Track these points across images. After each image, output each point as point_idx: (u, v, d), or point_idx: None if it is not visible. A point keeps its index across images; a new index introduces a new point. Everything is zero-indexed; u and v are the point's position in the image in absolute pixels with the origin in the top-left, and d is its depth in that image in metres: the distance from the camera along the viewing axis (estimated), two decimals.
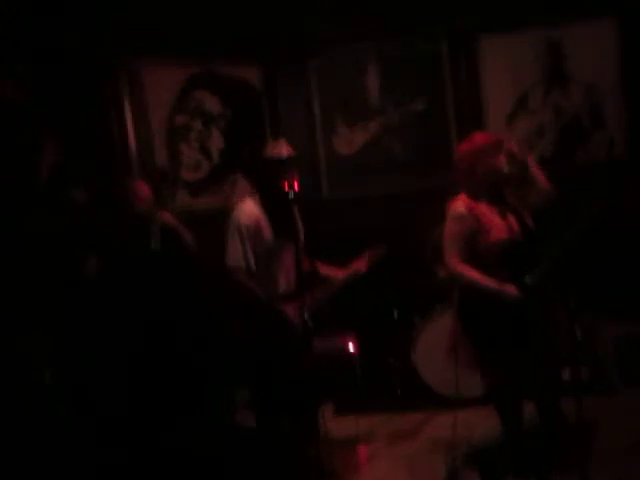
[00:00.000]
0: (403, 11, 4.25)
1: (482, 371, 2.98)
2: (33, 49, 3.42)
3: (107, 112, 3.69)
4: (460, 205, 2.70)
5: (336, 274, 2.96)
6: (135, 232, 3.22)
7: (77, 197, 3.28)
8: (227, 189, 4.21)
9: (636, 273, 3.76)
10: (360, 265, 2.89)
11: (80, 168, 3.34)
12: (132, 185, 3.24)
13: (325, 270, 3.01)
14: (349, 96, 4.44)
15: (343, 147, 4.51)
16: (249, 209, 2.80)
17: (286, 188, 2.64)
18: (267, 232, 2.78)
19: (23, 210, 3.29)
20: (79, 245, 3.18)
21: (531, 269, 2.61)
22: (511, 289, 2.62)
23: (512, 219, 2.71)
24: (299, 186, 2.68)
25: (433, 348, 3.59)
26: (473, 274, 2.68)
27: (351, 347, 3.79)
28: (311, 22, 4.27)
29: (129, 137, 3.75)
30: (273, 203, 2.79)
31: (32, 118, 3.43)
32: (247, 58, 4.25)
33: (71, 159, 3.48)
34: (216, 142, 4.23)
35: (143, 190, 3.24)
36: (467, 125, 4.34)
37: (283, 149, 2.80)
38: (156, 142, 3.98)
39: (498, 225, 2.69)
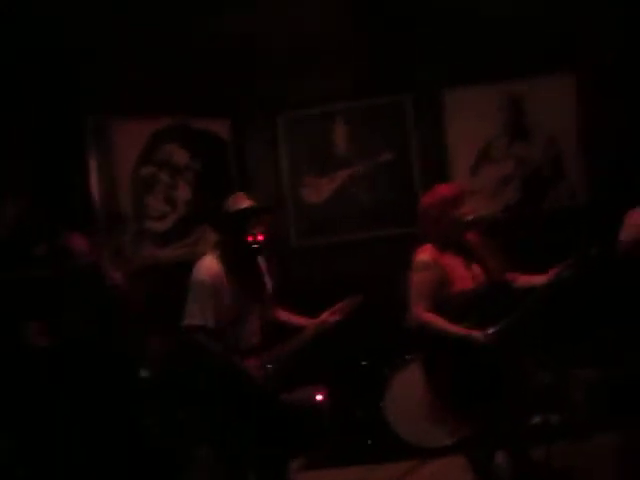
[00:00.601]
0: (370, 65, 4.38)
1: (451, 422, 2.94)
2: None
3: (71, 164, 3.68)
4: (426, 255, 2.74)
5: (305, 324, 2.91)
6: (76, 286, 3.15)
7: (38, 251, 3.22)
8: (193, 241, 4.20)
9: (605, 318, 3.78)
10: (330, 316, 2.83)
11: (42, 221, 3.28)
12: (69, 239, 3.18)
13: (293, 320, 2.96)
14: (317, 148, 4.51)
15: (311, 197, 4.55)
16: (208, 265, 2.75)
17: (249, 239, 2.65)
18: (229, 288, 2.73)
19: None
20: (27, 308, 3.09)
21: (495, 320, 2.63)
22: (477, 335, 2.64)
23: (477, 270, 2.74)
24: (265, 237, 2.69)
25: (403, 399, 3.54)
26: (438, 321, 2.69)
27: (320, 399, 3.72)
28: (280, 76, 4.37)
29: (93, 188, 3.73)
30: (237, 257, 2.76)
31: None
32: (216, 111, 4.31)
33: (34, 212, 3.44)
34: (183, 193, 4.24)
35: (79, 243, 3.19)
36: (432, 175, 4.44)
37: (244, 201, 2.80)
38: (121, 193, 3.98)
39: (462, 276, 2.73)
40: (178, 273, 3.02)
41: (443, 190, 2.80)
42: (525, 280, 2.80)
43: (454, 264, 2.73)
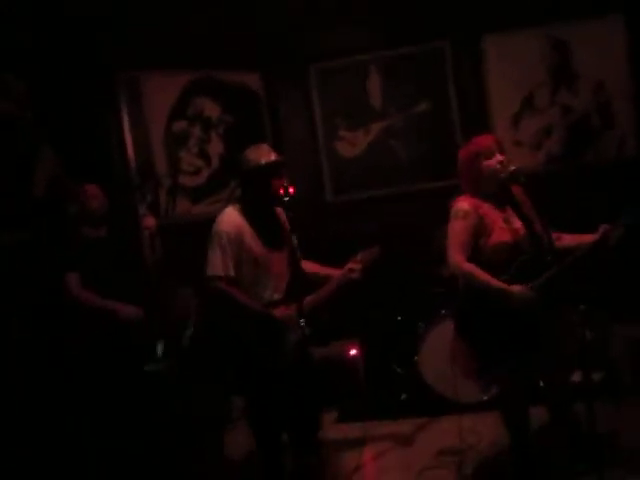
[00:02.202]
0: (405, 11, 4.21)
1: (482, 378, 2.90)
2: (31, 60, 3.43)
3: (105, 120, 3.68)
4: (465, 203, 2.69)
5: (331, 275, 2.87)
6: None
7: (72, 210, 3.25)
8: (227, 195, 4.18)
9: None
10: (352, 267, 2.79)
11: (77, 181, 3.30)
12: (83, 188, 3.21)
13: (321, 271, 2.91)
14: (351, 100, 4.39)
15: (346, 150, 4.46)
16: (230, 217, 2.71)
17: (281, 193, 2.60)
18: (251, 240, 2.68)
19: (20, 222, 3.30)
20: (57, 264, 3.13)
21: (534, 276, 2.55)
22: (517, 289, 2.56)
23: (518, 223, 2.65)
24: (295, 190, 2.63)
25: (437, 353, 3.51)
26: (479, 273, 2.62)
27: (354, 353, 3.73)
28: (311, 26, 4.24)
29: (127, 145, 3.73)
30: (260, 209, 2.72)
31: (29, 131, 3.43)
32: (247, 63, 4.23)
33: (69, 171, 3.46)
34: (216, 147, 4.20)
35: (93, 192, 3.21)
36: (472, 126, 4.29)
37: (270, 154, 2.71)
38: (155, 149, 3.97)
39: (501, 228, 2.65)
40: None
41: (478, 141, 2.73)
42: (571, 239, 2.67)
43: (494, 216, 2.65)
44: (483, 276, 2.61)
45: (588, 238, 2.62)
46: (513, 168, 2.62)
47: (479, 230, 2.63)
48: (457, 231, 2.68)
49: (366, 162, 4.42)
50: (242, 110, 4.26)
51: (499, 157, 2.63)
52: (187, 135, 4.10)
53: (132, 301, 3.10)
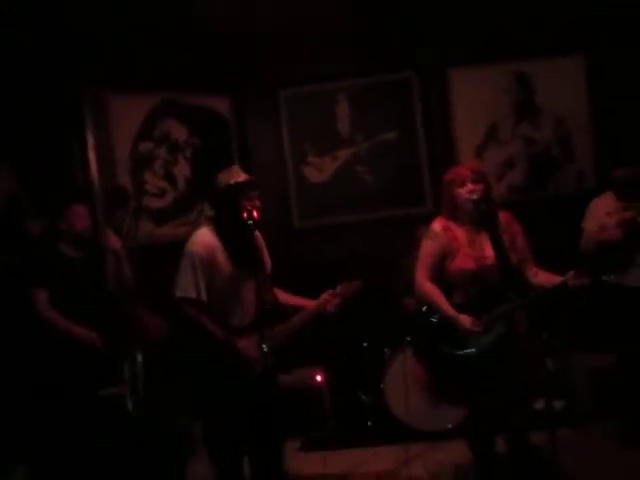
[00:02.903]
0: (374, 41, 4.28)
1: (450, 406, 2.92)
2: None
3: (69, 138, 3.60)
4: (437, 225, 2.79)
5: (305, 305, 2.84)
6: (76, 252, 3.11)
7: (32, 228, 3.16)
8: (193, 218, 4.12)
9: (609, 304, 3.72)
10: (330, 299, 2.77)
11: (37, 198, 3.22)
12: (71, 207, 3.14)
13: (292, 301, 2.90)
14: (319, 126, 4.42)
15: (313, 176, 4.47)
16: (203, 238, 2.66)
17: (244, 216, 2.57)
18: (224, 262, 2.64)
19: None
20: (30, 278, 3.05)
21: (492, 307, 2.62)
22: (465, 320, 2.63)
23: (490, 252, 2.68)
24: (259, 213, 2.61)
25: (402, 381, 3.49)
26: (433, 294, 2.72)
27: (319, 379, 3.68)
28: (281, 52, 4.27)
29: (91, 164, 3.65)
30: (234, 231, 2.68)
31: None
32: (216, 87, 4.22)
33: (28, 189, 3.37)
34: (182, 170, 4.15)
35: (81, 212, 3.15)
36: (438, 155, 4.37)
37: (239, 174, 2.70)
38: (119, 170, 3.89)
39: (466, 254, 2.71)
40: (176, 252, 2.96)
41: (455, 169, 2.84)
42: (544, 279, 2.71)
43: (463, 240, 2.72)
44: (438, 299, 2.71)
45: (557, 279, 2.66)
46: (474, 197, 2.69)
47: (446, 252, 2.73)
48: (425, 250, 2.79)
49: (333, 188, 4.43)
50: (210, 133, 4.23)
51: (470, 186, 2.69)
52: (153, 157, 4.05)
53: (98, 322, 3.02)
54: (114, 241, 3.11)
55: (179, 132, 4.14)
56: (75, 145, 3.61)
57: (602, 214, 3.43)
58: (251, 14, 3.93)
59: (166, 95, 4.05)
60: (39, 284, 3.01)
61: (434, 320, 2.73)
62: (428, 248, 2.77)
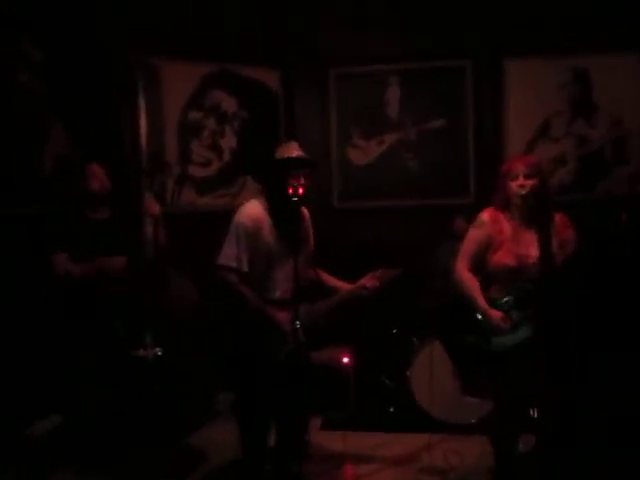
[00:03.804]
0: (431, 27, 4.21)
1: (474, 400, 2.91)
2: (52, 31, 3.41)
3: (120, 103, 3.66)
4: (485, 214, 2.75)
5: (343, 287, 2.85)
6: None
7: (83, 186, 3.22)
8: (235, 190, 4.17)
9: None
10: (369, 282, 2.76)
11: (85, 160, 3.27)
12: (87, 168, 3.16)
13: (332, 282, 2.91)
14: (368, 108, 4.38)
15: (357, 158, 4.44)
16: (251, 210, 2.70)
17: (290, 192, 2.58)
18: (269, 235, 2.67)
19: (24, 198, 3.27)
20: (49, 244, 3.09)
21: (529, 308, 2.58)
22: (495, 316, 2.60)
23: (533, 251, 2.63)
24: (306, 191, 2.62)
25: (428, 371, 3.48)
26: (469, 285, 2.69)
27: (346, 361, 3.70)
28: (336, 30, 4.23)
29: (140, 130, 3.71)
30: (280, 206, 2.70)
31: (42, 105, 3.40)
32: (267, 61, 4.22)
33: (78, 150, 3.43)
34: (229, 141, 4.18)
35: (95, 172, 3.16)
36: (485, 147, 4.29)
37: (293, 150, 2.72)
38: (167, 136, 3.95)
39: (508, 249, 2.66)
40: (216, 222, 2.99)
41: (511, 161, 2.78)
42: None
43: (509, 233, 2.67)
44: (473, 290, 2.67)
45: None
46: (523, 192, 2.64)
47: (489, 243, 2.69)
48: (469, 239, 2.76)
49: (376, 171, 4.40)
50: (258, 107, 4.25)
51: (521, 181, 2.63)
52: (201, 126, 4.09)
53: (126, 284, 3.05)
54: (152, 206, 3.14)
55: (228, 103, 4.16)
56: (126, 110, 3.67)
57: None
58: None
59: (217, 66, 4.07)
60: (57, 249, 3.03)
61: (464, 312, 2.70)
62: (473, 236, 2.73)
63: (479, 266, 2.72)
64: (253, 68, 4.19)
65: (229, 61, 4.09)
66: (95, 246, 3.07)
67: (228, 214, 2.81)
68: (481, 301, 2.64)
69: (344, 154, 4.43)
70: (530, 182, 2.63)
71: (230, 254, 2.64)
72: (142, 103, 3.70)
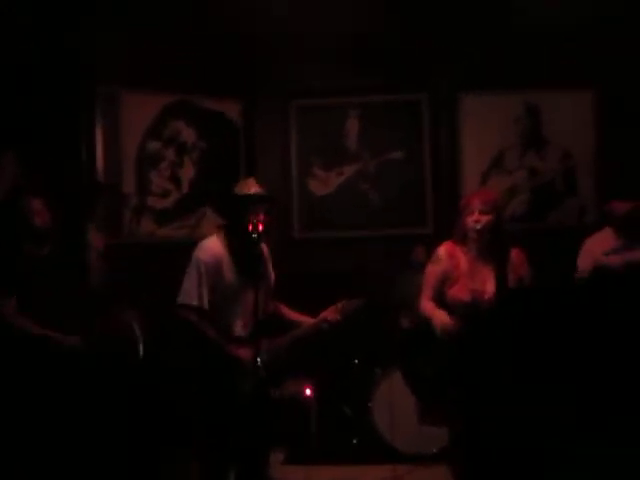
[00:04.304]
0: (389, 61, 4.31)
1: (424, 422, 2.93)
2: (5, 64, 3.34)
3: (78, 131, 3.60)
4: (442, 248, 2.82)
5: (304, 321, 2.84)
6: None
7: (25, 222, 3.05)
8: (194, 221, 4.12)
9: None
10: (330, 315, 2.76)
11: (32, 193, 3.15)
12: (29, 202, 3.01)
13: (293, 316, 2.90)
14: (328, 139, 4.43)
15: (318, 188, 4.47)
16: (211, 246, 2.69)
17: (249, 229, 2.58)
18: (228, 271, 2.67)
19: None
20: None
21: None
22: (441, 316, 2.67)
23: (489, 286, 2.68)
24: (265, 227, 2.62)
25: (390, 402, 3.49)
26: (429, 309, 2.76)
27: (308, 393, 3.66)
28: (297, 63, 4.29)
29: (97, 159, 3.66)
30: (240, 242, 2.69)
31: None
32: (228, 92, 4.23)
33: (32, 181, 3.32)
34: (188, 172, 4.15)
35: (37, 206, 2.97)
36: (442, 178, 4.39)
37: (251, 187, 2.72)
38: (125, 167, 3.89)
39: (464, 284, 2.72)
40: (176, 253, 2.95)
41: (469, 196, 2.87)
42: None
43: (467, 270, 2.73)
44: (430, 310, 2.75)
45: None
46: (478, 227, 2.71)
47: (446, 277, 2.75)
48: (427, 274, 2.84)
49: (336, 202, 4.44)
50: (218, 138, 4.24)
51: (477, 216, 2.71)
52: (160, 157, 4.05)
53: (72, 325, 2.87)
54: (96, 238, 3.06)
55: (188, 134, 4.14)
56: (83, 139, 3.61)
57: (599, 253, 3.32)
58: (270, 21, 3.95)
59: (179, 96, 4.06)
60: (2, 293, 2.81)
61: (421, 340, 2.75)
62: (431, 272, 2.81)
63: (439, 299, 2.77)
64: (214, 99, 4.19)
65: (190, 92, 4.09)
66: (38, 286, 2.88)
67: (188, 245, 2.79)
68: (431, 309, 2.72)
69: (304, 185, 4.45)
70: (485, 218, 2.69)
71: (191, 292, 2.61)
72: (100, 133, 3.67)
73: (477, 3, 4.05)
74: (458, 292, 2.71)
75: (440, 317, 2.67)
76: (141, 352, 2.95)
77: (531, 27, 4.02)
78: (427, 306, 2.78)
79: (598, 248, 3.35)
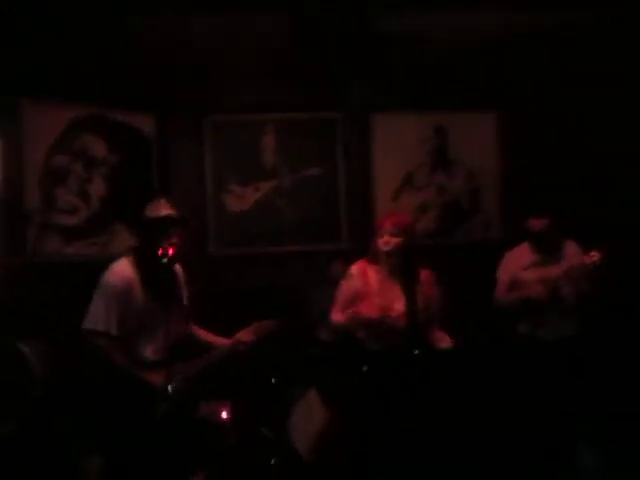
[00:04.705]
0: (303, 80, 4.36)
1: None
2: None
3: None
4: (355, 266, 2.91)
5: (218, 343, 2.80)
6: None
7: None
8: (105, 238, 3.96)
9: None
10: (244, 337, 2.74)
11: None
12: None
13: (208, 337, 2.85)
14: (244, 156, 4.41)
15: (234, 204, 4.44)
16: (120, 269, 2.60)
17: (159, 253, 2.53)
18: (139, 295, 2.58)
19: None
20: None
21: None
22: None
23: (398, 305, 2.76)
24: (177, 249, 2.57)
25: (308, 420, 3.48)
26: (340, 320, 2.88)
27: (224, 416, 3.60)
28: (212, 78, 4.25)
29: None
30: (150, 264, 2.62)
31: None
32: (142, 106, 4.11)
33: None
34: (98, 188, 3.98)
35: None
36: (356, 194, 4.50)
37: (162, 209, 2.64)
38: (28, 182, 3.67)
39: (373, 301, 2.81)
40: (87, 271, 2.82)
41: (382, 219, 2.95)
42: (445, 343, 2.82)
43: (377, 288, 2.82)
44: (340, 318, 2.88)
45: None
46: (386, 249, 2.82)
47: (357, 294, 2.86)
48: (340, 290, 2.94)
49: (252, 218, 4.42)
50: (130, 152, 4.10)
51: (387, 238, 2.82)
52: (67, 172, 3.85)
53: None
54: None
55: (98, 148, 3.97)
56: None
57: (517, 267, 3.42)
58: (186, 36, 3.89)
59: (88, 109, 3.89)
60: None
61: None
62: (343, 289, 2.92)
63: None
64: (126, 112, 4.06)
65: (102, 105, 3.93)
66: None
67: (99, 263, 2.68)
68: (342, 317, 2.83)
69: (220, 201, 4.41)
70: (395, 240, 2.80)
71: (98, 317, 2.51)
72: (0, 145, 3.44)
73: (390, 29, 4.17)
74: (366, 309, 2.80)
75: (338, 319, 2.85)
76: (35, 387, 2.77)
77: (435, 52, 4.20)
78: (338, 317, 2.91)
79: (517, 262, 3.46)
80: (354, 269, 2.88)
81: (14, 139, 3.57)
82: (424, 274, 2.86)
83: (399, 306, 2.76)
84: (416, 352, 2.66)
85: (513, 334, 3.40)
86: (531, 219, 3.41)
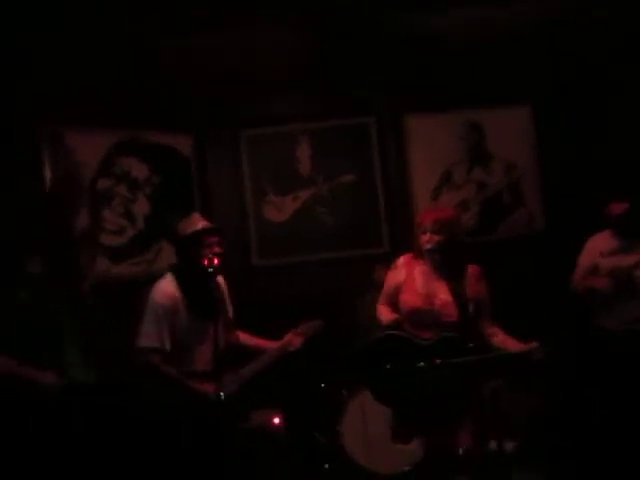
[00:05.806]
0: (336, 86, 4.41)
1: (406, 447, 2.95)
2: None
3: (26, 174, 3.54)
4: (401, 258, 2.92)
5: (266, 347, 2.84)
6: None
7: (33, 268, 2.99)
8: (151, 256, 4.09)
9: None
10: (292, 339, 2.77)
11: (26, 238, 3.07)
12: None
13: (255, 342, 2.89)
14: (280, 166, 4.47)
15: (274, 215, 4.50)
16: (166, 287, 2.69)
17: (205, 263, 2.58)
18: (185, 311, 2.66)
19: None
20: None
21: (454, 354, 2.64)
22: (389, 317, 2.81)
23: (445, 296, 2.73)
24: (220, 260, 2.62)
25: (359, 423, 3.49)
26: (384, 312, 2.89)
27: (277, 422, 3.64)
28: (245, 93, 4.34)
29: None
30: (193, 279, 2.69)
31: None
32: (178, 126, 4.23)
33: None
34: (142, 208, 4.11)
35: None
36: (394, 198, 4.49)
37: (197, 222, 2.73)
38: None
39: (416, 290, 2.77)
40: (135, 289, 2.92)
41: (422, 214, 2.95)
42: (503, 342, 2.73)
43: (420, 280, 2.80)
44: (382, 314, 2.89)
45: (514, 346, 2.69)
46: (428, 247, 2.78)
47: (400, 284, 2.85)
48: (386, 280, 2.95)
49: (293, 227, 4.47)
50: (170, 172, 4.22)
51: (428, 236, 2.78)
52: (112, 194, 4.01)
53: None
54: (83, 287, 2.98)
55: (139, 170, 4.11)
56: (31, 180, 3.54)
57: (596, 253, 3.39)
58: (218, 54, 3.99)
59: (127, 132, 4.04)
60: None
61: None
62: (389, 278, 2.93)
63: (394, 306, 2.87)
64: (164, 133, 4.18)
65: (139, 128, 4.07)
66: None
67: (146, 281, 2.77)
68: (386, 315, 2.84)
69: (260, 212, 4.48)
70: (436, 238, 2.75)
71: (152, 334, 2.59)
72: (48, 174, 3.61)
73: (415, 30, 4.18)
74: (409, 297, 2.78)
75: (383, 315, 2.84)
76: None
77: (461, 49, 4.18)
78: (381, 310, 2.91)
79: (596, 248, 3.43)
80: (400, 260, 2.90)
81: (62, 167, 3.73)
82: (471, 270, 2.82)
83: (444, 296, 2.74)
84: (471, 345, 2.61)
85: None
86: (611, 204, 3.35)
